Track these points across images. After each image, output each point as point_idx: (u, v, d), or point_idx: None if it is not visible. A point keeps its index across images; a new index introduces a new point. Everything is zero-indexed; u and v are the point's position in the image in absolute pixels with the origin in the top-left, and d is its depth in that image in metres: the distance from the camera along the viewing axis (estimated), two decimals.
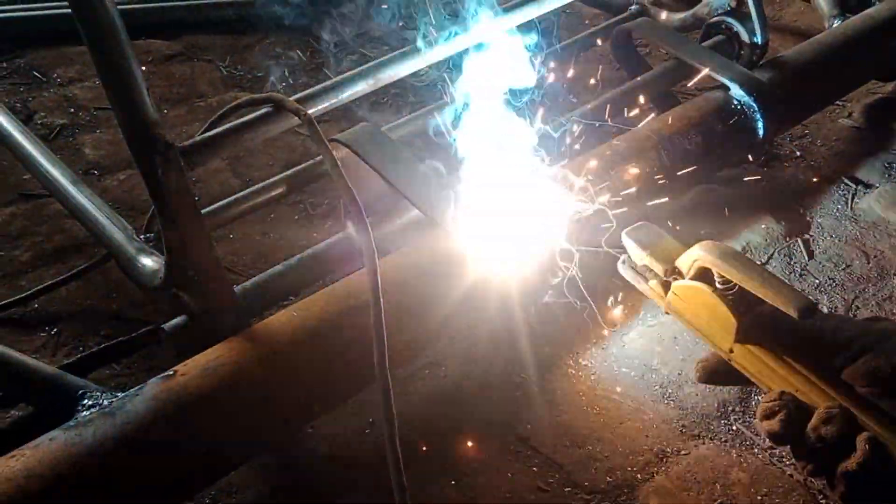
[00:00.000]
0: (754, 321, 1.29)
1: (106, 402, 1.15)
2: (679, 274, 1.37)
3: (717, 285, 1.31)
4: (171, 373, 1.17)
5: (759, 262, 1.69)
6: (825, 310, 1.55)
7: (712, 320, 1.34)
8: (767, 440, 1.27)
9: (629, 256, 1.43)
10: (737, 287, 1.22)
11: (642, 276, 1.44)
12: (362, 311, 1.25)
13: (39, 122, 2.12)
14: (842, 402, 1.14)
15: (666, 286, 1.41)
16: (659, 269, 1.37)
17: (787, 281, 1.61)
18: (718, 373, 1.39)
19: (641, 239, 1.38)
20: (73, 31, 2.44)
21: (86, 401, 1.17)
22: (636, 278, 1.46)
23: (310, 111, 1.36)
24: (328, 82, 1.46)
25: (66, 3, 2.48)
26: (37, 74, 2.31)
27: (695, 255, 1.32)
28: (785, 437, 1.19)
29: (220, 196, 1.86)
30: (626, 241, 1.41)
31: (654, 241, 1.37)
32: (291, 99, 1.36)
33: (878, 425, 1.11)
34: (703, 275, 1.32)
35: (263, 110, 1.34)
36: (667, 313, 1.44)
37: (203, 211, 1.44)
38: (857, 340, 1.12)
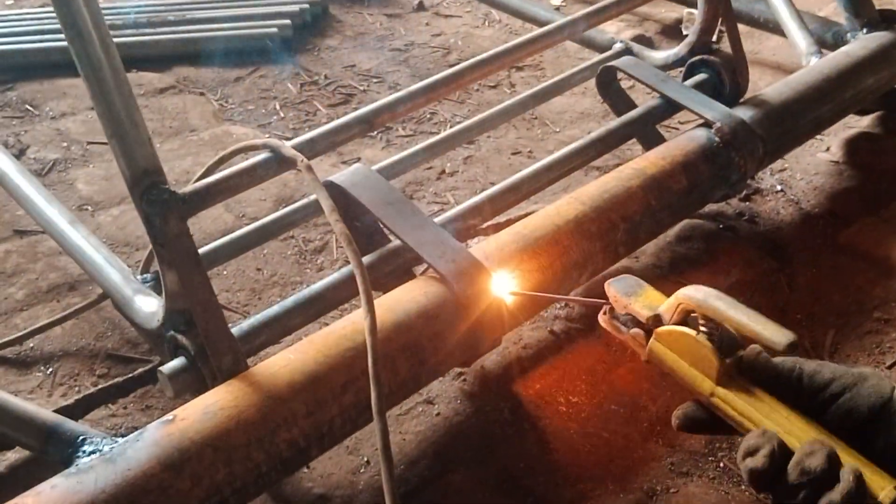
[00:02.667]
0: (736, 364, 1.32)
1: (106, 448, 1.16)
2: (660, 321, 1.40)
3: (700, 328, 1.34)
4: (171, 417, 1.19)
5: (740, 298, 1.74)
6: (806, 343, 1.60)
7: (694, 364, 1.37)
8: (747, 482, 1.29)
9: (611, 307, 1.45)
10: (719, 331, 1.26)
11: (624, 326, 1.46)
12: (359, 353, 1.28)
13: (32, 156, 2.14)
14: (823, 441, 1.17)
15: (648, 333, 1.43)
16: (641, 315, 1.40)
17: (765, 311, 1.65)
18: (697, 421, 1.42)
19: (624, 289, 1.41)
20: (64, 64, 2.49)
21: (86, 447, 1.18)
22: (616, 328, 1.48)
23: (307, 155, 1.39)
24: (324, 127, 1.49)
25: (57, 37, 2.51)
26: (29, 108, 2.33)
27: (679, 299, 1.34)
28: (767, 474, 1.21)
29: (214, 231, 1.90)
30: (609, 291, 1.43)
31: (635, 290, 1.40)
32: (289, 144, 1.39)
33: (858, 464, 1.13)
34: (686, 320, 1.35)
35: (261, 156, 1.36)
36: (647, 362, 1.46)
37: (200, 250, 1.46)
38: (836, 382, 1.16)
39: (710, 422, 1.31)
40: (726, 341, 1.28)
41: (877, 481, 1.13)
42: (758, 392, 1.26)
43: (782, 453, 1.18)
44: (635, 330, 1.39)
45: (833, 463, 1.11)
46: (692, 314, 1.32)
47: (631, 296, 1.36)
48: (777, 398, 1.24)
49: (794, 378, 1.18)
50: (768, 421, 1.25)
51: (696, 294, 1.30)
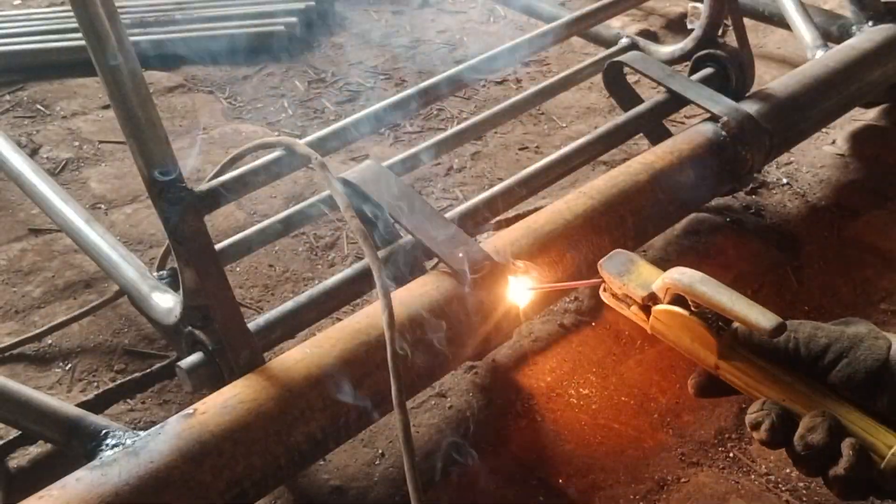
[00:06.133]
0: (733, 338, 1.33)
1: (129, 442, 1.18)
2: (657, 298, 1.41)
3: (692, 308, 1.35)
4: (191, 411, 1.21)
5: (748, 291, 1.76)
6: None
7: (694, 340, 1.38)
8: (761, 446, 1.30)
9: (608, 285, 1.46)
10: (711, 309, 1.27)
11: (624, 303, 1.47)
12: (374, 347, 1.30)
13: (45, 155, 2.16)
14: (827, 406, 1.19)
15: (646, 310, 1.44)
16: (636, 295, 1.41)
17: (773, 304, 1.67)
18: (710, 387, 1.43)
19: (616, 267, 1.41)
20: (74, 64, 2.50)
21: (109, 440, 1.21)
22: (619, 305, 1.49)
23: (319, 152, 1.41)
24: (337, 125, 1.51)
25: (66, 36, 2.53)
26: (40, 107, 2.35)
27: (666, 282, 1.35)
28: (775, 444, 1.23)
29: (227, 229, 1.92)
30: (603, 272, 1.44)
31: (628, 268, 1.40)
32: (302, 142, 1.41)
33: (864, 424, 1.15)
34: (679, 298, 1.36)
35: (275, 153, 1.38)
36: (652, 335, 1.47)
37: (216, 247, 1.48)
38: (832, 348, 1.17)
39: (722, 387, 1.32)
40: (720, 316, 1.29)
41: (883, 439, 1.14)
42: (759, 361, 1.28)
43: (786, 422, 1.19)
44: (634, 308, 1.40)
45: (835, 435, 1.13)
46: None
47: (624, 275, 1.36)
48: (778, 367, 1.26)
49: (790, 349, 1.19)
50: (771, 390, 1.26)
51: (681, 279, 1.31)
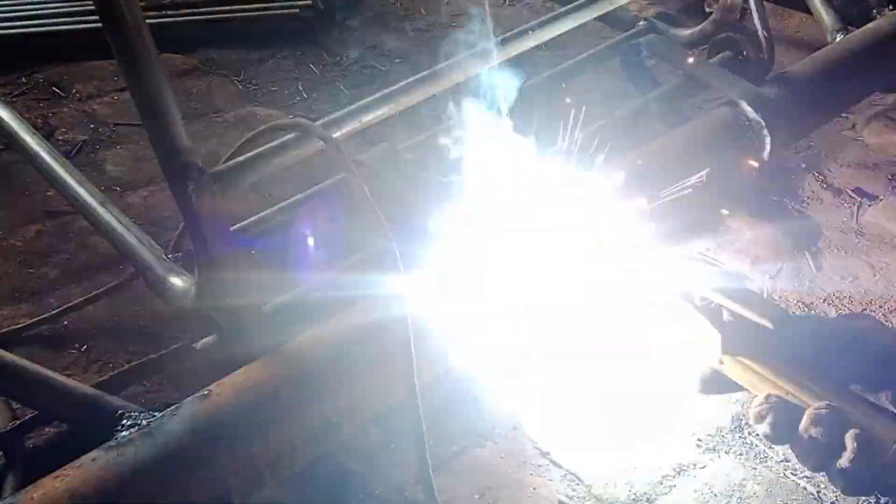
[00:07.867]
0: (737, 333, 1.33)
1: (144, 422, 1.19)
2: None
3: (697, 302, 1.34)
4: (206, 393, 1.22)
5: (765, 277, 1.74)
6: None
7: (698, 335, 1.37)
8: (766, 441, 1.30)
9: None
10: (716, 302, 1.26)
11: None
12: (387, 330, 1.30)
13: (60, 138, 2.17)
14: (831, 399, 1.18)
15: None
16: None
17: (791, 290, 1.65)
18: (715, 382, 1.42)
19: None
20: (90, 47, 2.49)
21: (125, 421, 1.21)
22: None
23: (334, 135, 1.40)
24: (351, 107, 1.50)
25: (82, 19, 2.53)
26: (56, 90, 2.36)
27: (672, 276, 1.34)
28: (779, 438, 1.22)
29: (243, 212, 1.91)
30: None
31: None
32: (317, 124, 1.40)
33: (867, 417, 1.15)
34: (684, 292, 1.35)
35: (290, 135, 1.38)
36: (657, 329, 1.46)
37: (230, 229, 1.48)
38: (837, 342, 1.16)
39: (726, 383, 1.32)
40: (724, 312, 1.28)
41: (889, 434, 1.13)
42: (762, 357, 1.27)
43: (789, 415, 1.18)
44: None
45: (839, 427, 1.12)
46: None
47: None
48: (782, 361, 1.25)
49: (795, 341, 1.18)
50: (775, 385, 1.25)
51: (689, 271, 1.30)
